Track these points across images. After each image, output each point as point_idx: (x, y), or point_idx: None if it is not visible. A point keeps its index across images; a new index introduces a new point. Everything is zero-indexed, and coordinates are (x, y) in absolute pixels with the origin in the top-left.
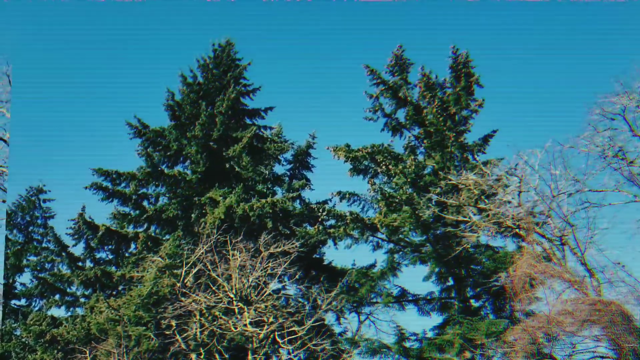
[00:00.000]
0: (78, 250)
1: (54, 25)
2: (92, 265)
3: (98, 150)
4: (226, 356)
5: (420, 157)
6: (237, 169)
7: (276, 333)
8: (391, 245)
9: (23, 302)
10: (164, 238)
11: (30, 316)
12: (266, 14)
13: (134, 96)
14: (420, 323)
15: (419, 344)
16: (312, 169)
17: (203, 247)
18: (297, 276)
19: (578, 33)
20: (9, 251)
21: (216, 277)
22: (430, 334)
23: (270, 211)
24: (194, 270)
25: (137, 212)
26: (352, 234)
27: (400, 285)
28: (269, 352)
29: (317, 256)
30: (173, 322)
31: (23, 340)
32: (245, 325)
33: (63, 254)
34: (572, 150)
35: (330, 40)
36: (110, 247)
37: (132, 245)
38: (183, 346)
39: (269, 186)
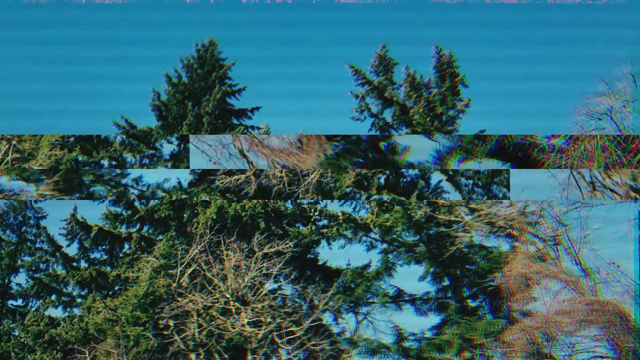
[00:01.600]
0: (72, 250)
1: (37, 26)
2: (86, 265)
3: None
4: (226, 356)
5: None
6: None
7: (274, 333)
8: (385, 246)
9: (20, 302)
10: (157, 238)
11: (27, 316)
12: (248, 15)
13: (120, 96)
14: (417, 323)
15: (418, 344)
16: None
17: (197, 247)
18: (292, 276)
19: (562, 33)
20: (3, 251)
21: (211, 277)
22: (428, 334)
23: (262, 211)
24: (189, 271)
25: (129, 212)
26: (345, 234)
27: (396, 285)
28: (268, 352)
29: (312, 256)
30: (171, 323)
31: (22, 340)
32: (243, 325)
33: (57, 254)
34: None
35: (314, 39)
36: (104, 247)
37: (126, 246)
38: (182, 346)
39: None
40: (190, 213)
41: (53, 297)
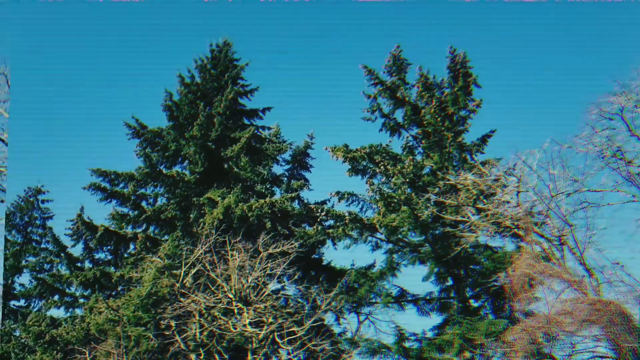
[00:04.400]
0: (77, 250)
1: (51, 25)
2: (91, 265)
3: (96, 151)
4: (226, 357)
5: (419, 157)
6: (235, 169)
7: (276, 333)
8: (390, 246)
9: (22, 302)
10: (162, 238)
11: (29, 317)
12: (263, 14)
13: (132, 96)
14: (419, 323)
15: (418, 344)
16: (310, 169)
17: (202, 248)
18: (296, 276)
19: (576, 33)
20: (7, 252)
21: (215, 277)
22: (429, 334)
23: (269, 211)
24: (193, 271)
25: (136, 212)
26: (351, 234)
27: (399, 286)
28: (268, 352)
29: (316, 256)
30: (172, 323)
31: (22, 341)
32: (244, 325)
33: (62, 254)
34: (570, 150)
35: (327, 40)
36: (109, 247)
37: (131, 246)
38: (182, 347)
39: (268, 186)
40: (197, 213)
41: (56, 297)
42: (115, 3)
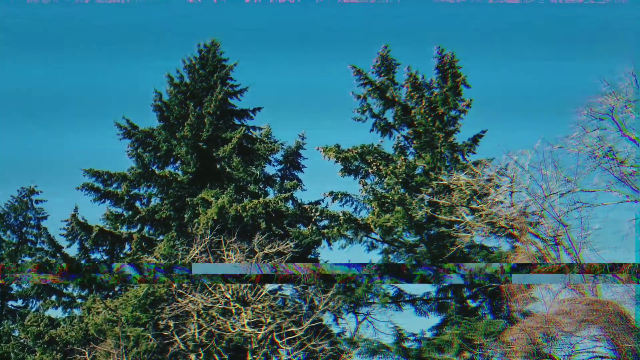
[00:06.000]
0: (72, 251)
1: (41, 27)
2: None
3: (89, 151)
4: (225, 357)
5: (411, 158)
6: (228, 169)
7: (274, 334)
8: (385, 246)
9: (20, 303)
10: (157, 239)
11: (27, 317)
12: (251, 15)
13: (123, 96)
14: (418, 323)
15: (417, 345)
16: (302, 169)
17: (197, 248)
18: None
19: (566, 33)
20: (3, 252)
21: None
22: (428, 335)
23: (263, 211)
24: None
25: (130, 212)
26: (346, 235)
27: (396, 286)
28: (268, 352)
29: (312, 257)
30: (171, 323)
31: (21, 341)
32: (243, 325)
33: (58, 254)
34: (562, 151)
35: (316, 40)
36: (104, 247)
37: (127, 246)
38: (182, 347)
39: (261, 187)
40: (191, 213)
41: (53, 297)
42: (103, 4)
